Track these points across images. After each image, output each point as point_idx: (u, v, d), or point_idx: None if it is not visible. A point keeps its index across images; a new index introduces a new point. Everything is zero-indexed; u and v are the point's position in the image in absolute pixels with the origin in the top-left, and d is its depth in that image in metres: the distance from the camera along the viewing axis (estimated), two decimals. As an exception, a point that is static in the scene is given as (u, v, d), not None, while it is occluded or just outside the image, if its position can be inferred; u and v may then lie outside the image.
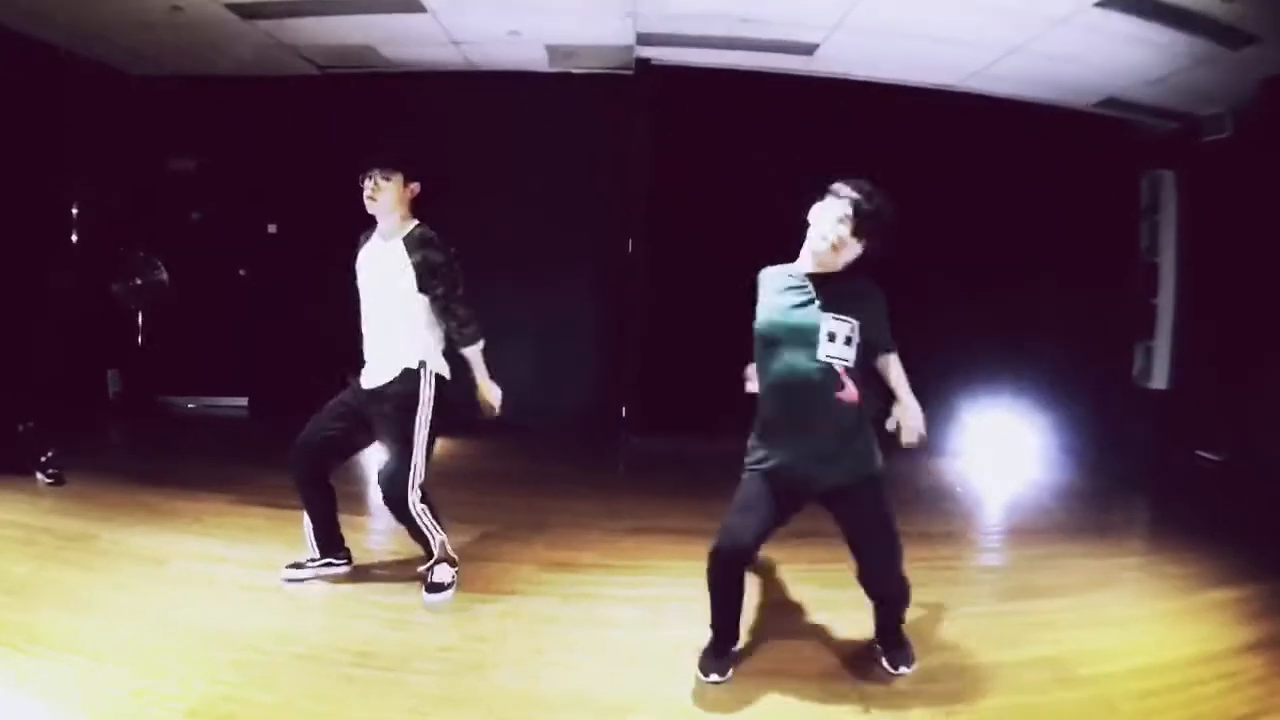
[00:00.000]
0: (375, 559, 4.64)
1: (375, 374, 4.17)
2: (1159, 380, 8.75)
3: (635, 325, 8.15)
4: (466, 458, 7.25)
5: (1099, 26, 6.32)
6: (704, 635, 3.56)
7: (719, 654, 3.50)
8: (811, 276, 3.44)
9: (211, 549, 4.65)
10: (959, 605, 4.38)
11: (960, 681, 3.51)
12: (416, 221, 4.20)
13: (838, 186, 3.37)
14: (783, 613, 4.22)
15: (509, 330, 8.59)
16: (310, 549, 4.34)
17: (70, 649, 3.34)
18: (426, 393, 4.12)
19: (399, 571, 4.44)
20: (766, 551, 3.99)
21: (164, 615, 3.75)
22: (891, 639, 3.63)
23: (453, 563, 4.28)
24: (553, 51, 7.77)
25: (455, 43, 7.51)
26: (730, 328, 7.81)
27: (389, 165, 4.10)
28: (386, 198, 4.09)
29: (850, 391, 3.33)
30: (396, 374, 4.11)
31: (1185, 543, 5.65)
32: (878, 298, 3.43)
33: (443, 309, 4.13)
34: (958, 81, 7.95)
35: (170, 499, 5.48)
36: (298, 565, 4.32)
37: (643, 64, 7.90)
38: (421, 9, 6.70)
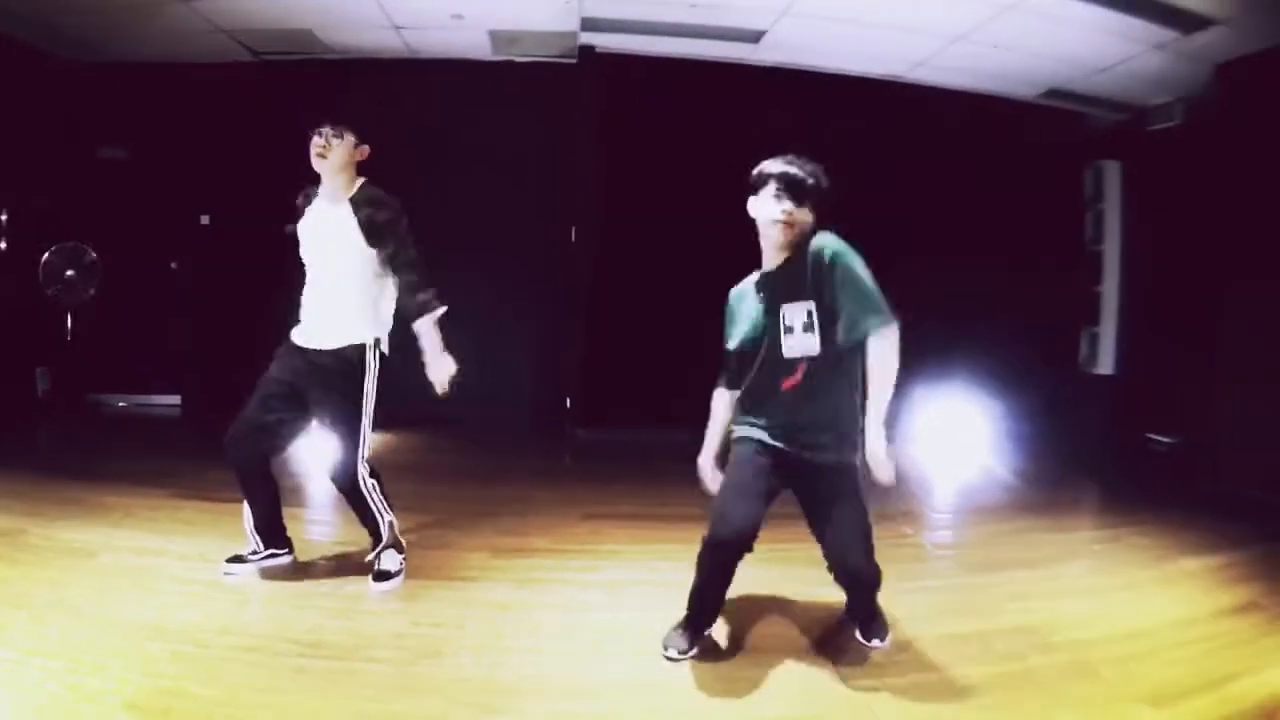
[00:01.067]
0: (318, 551, 4.47)
1: (317, 336, 3.99)
2: (1104, 366, 8.92)
3: (579, 316, 8.07)
4: (408, 450, 7.12)
5: (1048, 12, 6.36)
6: (665, 618, 3.48)
7: (692, 630, 3.42)
8: (771, 274, 3.37)
9: (144, 542, 4.45)
10: (926, 579, 4.43)
11: (935, 651, 3.50)
12: (364, 179, 4.05)
13: (756, 173, 3.34)
14: (748, 591, 4.10)
15: (451, 322, 8.50)
16: (251, 541, 4.15)
17: (-1, 644, 3.16)
18: (373, 365, 3.97)
19: (343, 562, 4.31)
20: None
21: (96, 609, 3.56)
22: (864, 613, 3.57)
23: (400, 548, 4.16)
24: (496, 38, 7.64)
25: (396, 27, 7.36)
26: (675, 318, 7.85)
27: (338, 122, 3.96)
28: (336, 156, 3.93)
29: (795, 380, 3.26)
30: (342, 344, 3.94)
31: (1149, 518, 5.74)
32: (841, 263, 3.14)
33: (394, 269, 3.97)
34: (905, 71, 8.00)
35: (100, 494, 5.26)
36: (238, 559, 4.13)
37: (586, 51, 7.82)
38: (362, -11, 6.53)
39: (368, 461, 4.01)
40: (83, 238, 8.08)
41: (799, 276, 3.23)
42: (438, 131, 8.17)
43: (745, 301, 3.47)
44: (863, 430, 3.18)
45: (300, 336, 4.04)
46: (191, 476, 5.69)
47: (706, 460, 3.63)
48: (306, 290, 4.07)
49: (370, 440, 4.01)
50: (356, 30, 7.46)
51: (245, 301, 7.98)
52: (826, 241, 3.20)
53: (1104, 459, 7.93)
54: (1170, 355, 8.00)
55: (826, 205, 3.31)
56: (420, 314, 3.91)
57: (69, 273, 7.96)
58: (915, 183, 8.05)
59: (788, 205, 3.23)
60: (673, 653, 3.34)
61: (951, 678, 3.28)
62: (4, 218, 7.89)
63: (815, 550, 3.43)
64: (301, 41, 7.73)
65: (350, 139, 3.98)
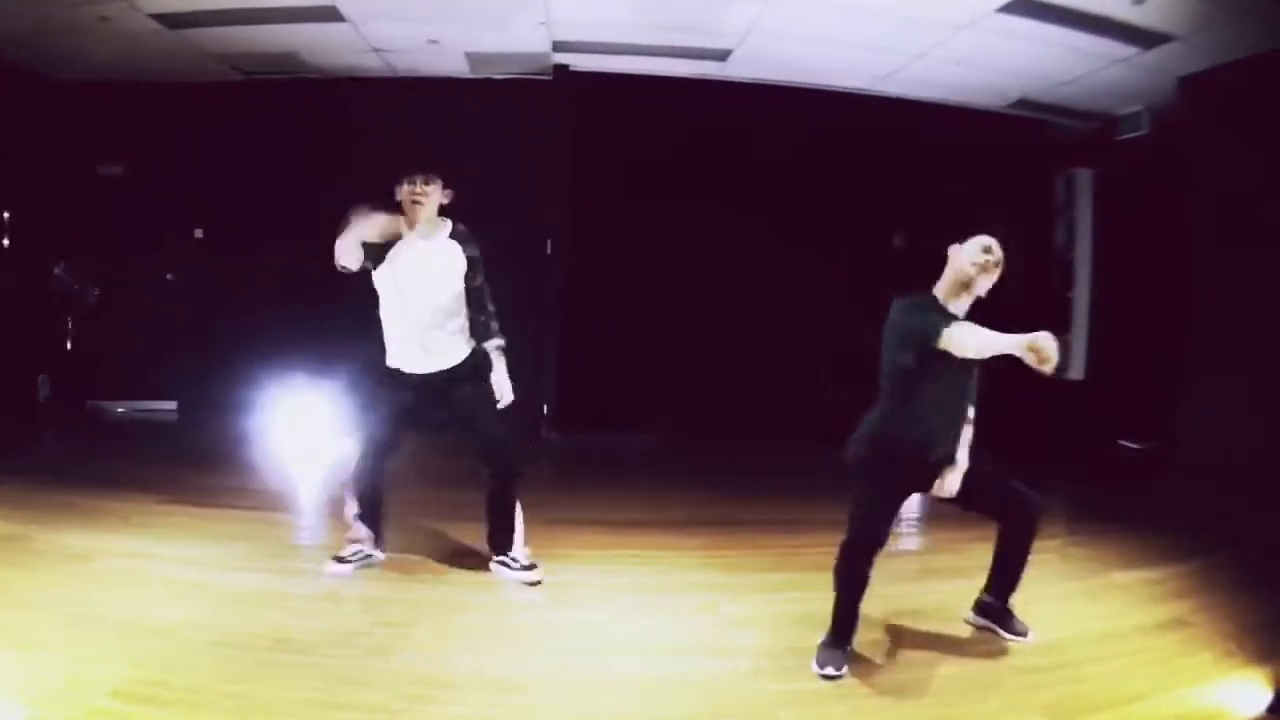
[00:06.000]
0: (298, 553, 4.90)
1: (440, 360, 4.48)
2: (1076, 371, 9.03)
3: (555, 325, 8.41)
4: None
5: (1006, 30, 6.58)
6: (606, 618, 3.98)
7: (839, 645, 3.69)
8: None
9: (138, 547, 4.84)
10: None
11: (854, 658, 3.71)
12: (452, 221, 4.58)
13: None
14: (675, 597, 4.50)
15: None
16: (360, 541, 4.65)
17: (3, 641, 3.55)
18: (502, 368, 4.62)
19: (316, 563, 4.66)
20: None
21: (91, 609, 3.96)
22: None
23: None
24: (472, 59, 8.00)
25: (376, 50, 7.73)
26: (649, 328, 8.21)
27: (430, 171, 4.47)
28: (432, 201, 4.44)
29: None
30: (466, 354, 4.53)
31: (1099, 528, 5.84)
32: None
33: (478, 300, 4.54)
34: (873, 85, 8.25)
35: (98, 500, 5.64)
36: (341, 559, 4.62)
37: (560, 70, 8.17)
38: (340, 19, 6.91)
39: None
40: (83, 251, 8.47)
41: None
42: (421, 147, 8.49)
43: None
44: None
45: (423, 366, 4.50)
46: (183, 483, 6.08)
47: None
48: (402, 320, 4.47)
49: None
50: (338, 54, 7.84)
51: (238, 312, 8.42)
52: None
53: (1073, 466, 8.05)
54: (1141, 361, 8.20)
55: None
56: (490, 338, 4.58)
57: (74, 286, 8.37)
58: (881, 193, 8.36)
59: (992, 271, 3.68)
60: (830, 670, 3.57)
61: (848, 685, 3.51)
62: (6, 216, 8.26)
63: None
64: (287, 63, 8.10)
65: (438, 184, 4.48)
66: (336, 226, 4.30)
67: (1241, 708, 3.38)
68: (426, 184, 4.39)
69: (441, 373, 4.46)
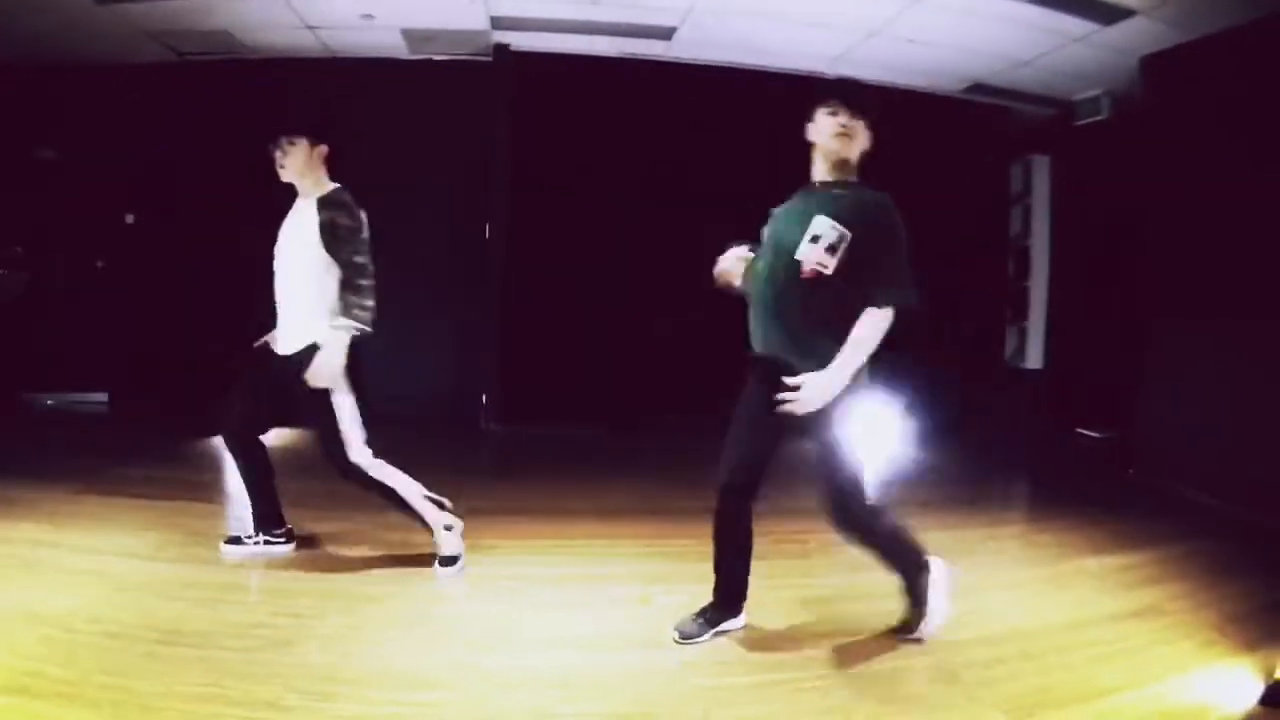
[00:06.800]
0: (205, 541, 4.61)
1: (285, 340, 4.19)
2: (1033, 360, 9.06)
3: (494, 313, 8.21)
4: (306, 447, 7.21)
5: (960, 7, 6.46)
6: (518, 610, 3.78)
7: (710, 611, 3.61)
8: (822, 184, 3.42)
9: (40, 535, 4.59)
10: (805, 577, 4.45)
11: (789, 649, 3.53)
12: (336, 185, 4.23)
13: (823, 98, 3.40)
14: (606, 587, 4.31)
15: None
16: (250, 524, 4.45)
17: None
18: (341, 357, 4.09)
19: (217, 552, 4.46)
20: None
21: (-22, 597, 3.73)
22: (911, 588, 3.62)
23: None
24: (409, 37, 7.78)
25: (310, 27, 7.49)
26: (591, 314, 8.03)
27: (293, 130, 4.14)
28: (294, 162, 4.14)
29: (808, 270, 3.24)
30: (304, 346, 4.09)
31: (1058, 514, 5.70)
32: (889, 223, 3.26)
33: (342, 277, 4.08)
34: (825, 67, 8.11)
35: (9, 488, 5.38)
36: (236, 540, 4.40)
37: (500, 50, 7.97)
38: (271, -9, 6.65)
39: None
40: (11, 236, 8.17)
41: (847, 204, 3.27)
42: (355, 129, 8.30)
43: (785, 210, 3.49)
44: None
45: (277, 344, 4.23)
46: (102, 473, 5.84)
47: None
48: (276, 288, 4.22)
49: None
50: (272, 30, 7.58)
51: (170, 299, 8.16)
52: (890, 202, 3.30)
53: (1031, 455, 7.99)
54: (1100, 350, 8.14)
55: (878, 129, 3.39)
56: (348, 321, 4.02)
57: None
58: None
59: (844, 118, 3.32)
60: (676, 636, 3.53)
61: (797, 678, 3.30)
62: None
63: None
64: (220, 42, 7.84)
65: (304, 142, 4.16)
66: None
67: (1228, 701, 3.15)
68: (288, 144, 4.13)
69: (287, 355, 4.16)
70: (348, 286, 4.05)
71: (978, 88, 8.44)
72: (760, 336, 3.42)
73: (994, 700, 3.11)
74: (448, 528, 4.35)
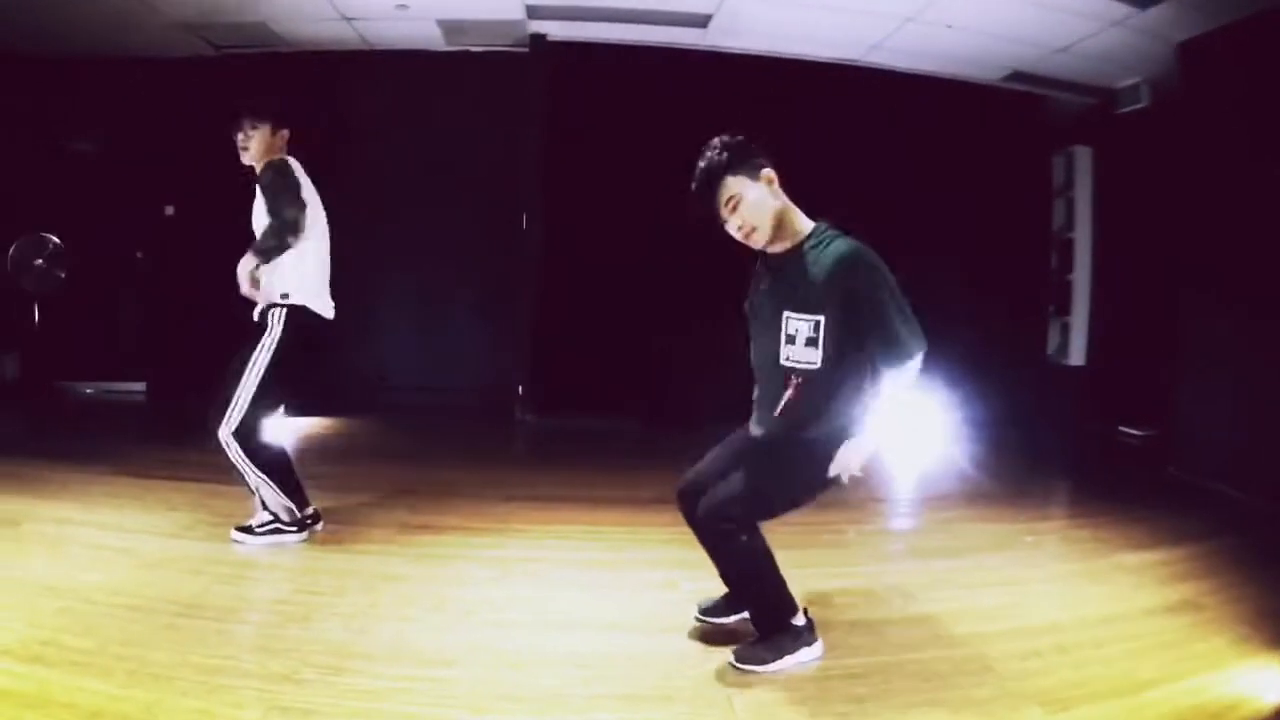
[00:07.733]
0: (235, 522, 4.58)
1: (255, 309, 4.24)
2: (1076, 357, 8.85)
3: (530, 304, 8.17)
4: (348, 434, 7.31)
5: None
6: (544, 593, 3.79)
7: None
8: (767, 258, 3.18)
9: (69, 513, 4.62)
10: (839, 565, 4.38)
11: (825, 638, 3.35)
12: (286, 156, 4.23)
13: (693, 183, 3.13)
14: (632, 573, 4.26)
15: (406, 309, 8.66)
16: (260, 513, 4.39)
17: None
18: (276, 331, 4.13)
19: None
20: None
21: (9, 571, 3.75)
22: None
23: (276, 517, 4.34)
24: (445, 27, 7.77)
25: (347, 19, 7.49)
26: (626, 306, 7.97)
27: (255, 114, 4.16)
28: (255, 146, 4.17)
29: (793, 396, 3.06)
30: (260, 309, 4.18)
31: (1096, 510, 5.62)
32: (865, 282, 2.93)
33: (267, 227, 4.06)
34: (861, 55, 8.01)
35: (41, 470, 5.43)
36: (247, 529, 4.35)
37: (537, 40, 7.93)
38: (307, -18, 6.66)
39: (244, 424, 4.12)
40: (51, 228, 8.24)
41: (803, 279, 3.01)
42: (394, 122, 8.35)
43: (757, 275, 3.26)
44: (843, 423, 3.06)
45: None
46: (134, 457, 5.89)
47: None
48: None
49: (245, 406, 4.12)
50: (308, 23, 7.58)
51: (207, 290, 8.18)
52: (845, 251, 2.96)
53: (1073, 452, 7.83)
54: (1143, 346, 7.94)
55: (761, 162, 3.11)
56: (257, 254, 4.00)
57: (38, 261, 8.12)
58: (878, 169, 8.02)
59: (725, 194, 3.05)
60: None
61: (826, 665, 3.21)
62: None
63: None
64: (257, 35, 7.87)
65: (266, 126, 4.18)
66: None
67: (1263, 695, 3.07)
68: (251, 129, 4.17)
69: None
70: (268, 232, 4.02)
71: (1017, 76, 8.27)
72: (757, 417, 3.31)
73: (1029, 693, 3.03)
74: (288, 511, 4.33)
